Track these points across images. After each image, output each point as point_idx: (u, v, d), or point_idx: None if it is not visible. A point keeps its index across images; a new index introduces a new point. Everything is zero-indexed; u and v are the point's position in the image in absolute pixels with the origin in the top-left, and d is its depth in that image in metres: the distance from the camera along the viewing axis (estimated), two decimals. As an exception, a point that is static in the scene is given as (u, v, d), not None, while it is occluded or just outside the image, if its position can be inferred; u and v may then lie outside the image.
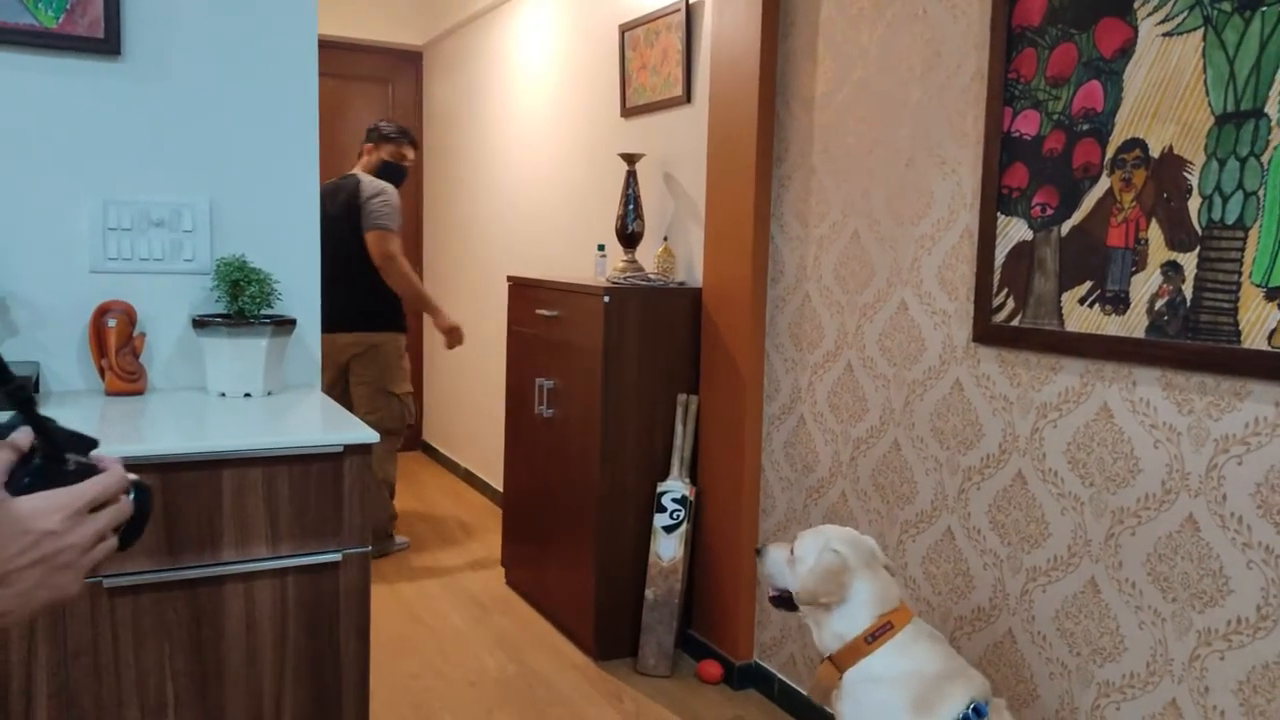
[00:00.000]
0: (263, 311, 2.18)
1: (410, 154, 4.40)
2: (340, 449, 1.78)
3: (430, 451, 6.13)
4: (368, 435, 1.81)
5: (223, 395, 2.15)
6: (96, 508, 0.82)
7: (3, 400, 0.81)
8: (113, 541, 0.84)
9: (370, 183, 4.13)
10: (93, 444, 0.87)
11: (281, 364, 2.24)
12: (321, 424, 1.92)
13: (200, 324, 2.13)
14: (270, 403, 2.12)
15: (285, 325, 2.20)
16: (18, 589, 0.77)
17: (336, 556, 1.81)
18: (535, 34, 4.60)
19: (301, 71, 2.33)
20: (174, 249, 2.24)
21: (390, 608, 3.65)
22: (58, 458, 0.82)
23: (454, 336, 4.33)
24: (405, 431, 4.38)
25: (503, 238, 5.06)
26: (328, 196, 3.97)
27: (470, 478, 5.46)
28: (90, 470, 0.83)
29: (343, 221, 4.02)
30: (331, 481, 1.79)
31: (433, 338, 6.08)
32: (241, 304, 2.15)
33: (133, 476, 0.88)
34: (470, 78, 5.40)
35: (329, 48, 5.75)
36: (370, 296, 4.10)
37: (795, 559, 2.11)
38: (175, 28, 2.20)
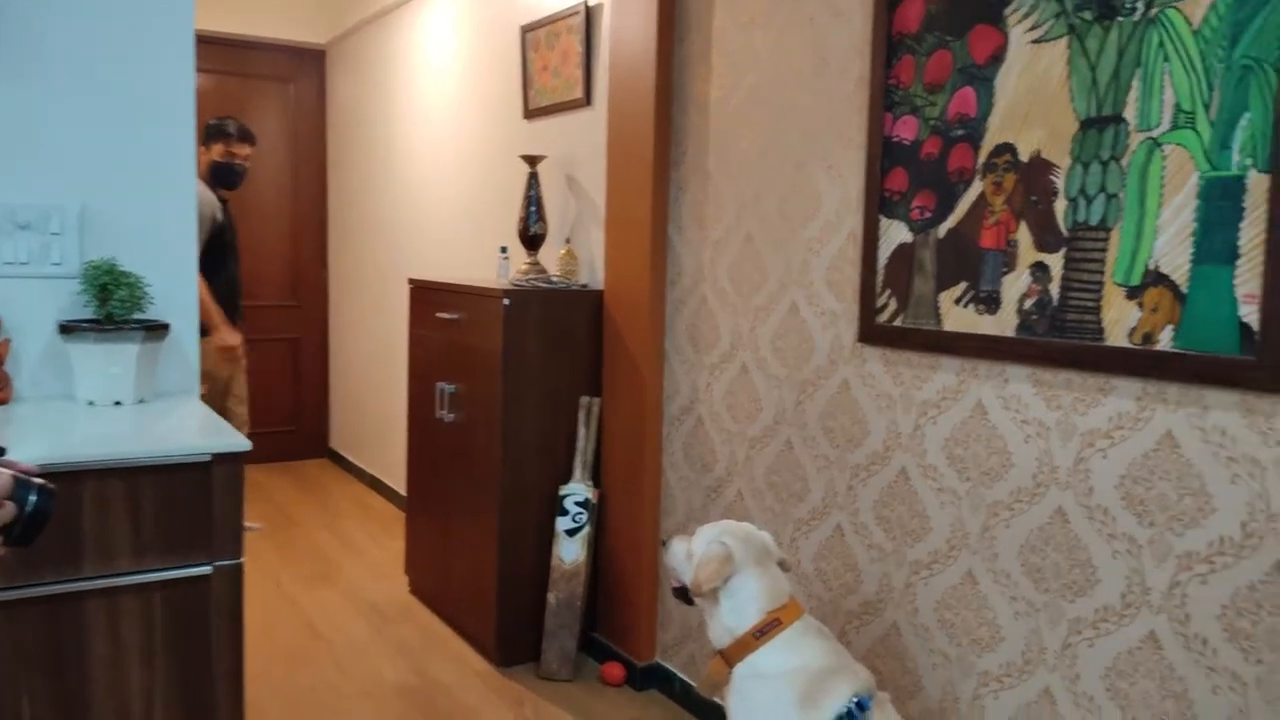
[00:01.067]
0: (134, 316, 2.11)
1: (242, 150, 4.29)
2: (208, 458, 1.73)
3: (337, 459, 6.00)
4: (238, 444, 1.76)
5: (91, 404, 2.06)
6: None
7: None
8: None
9: None
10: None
11: (154, 371, 2.16)
12: (190, 433, 1.86)
13: (67, 330, 2.05)
14: (141, 411, 2.04)
15: (158, 330, 2.12)
16: None
17: (206, 569, 1.75)
18: (439, 33, 4.55)
19: (177, 71, 2.26)
20: (41, 252, 2.15)
21: (287, 619, 3.56)
22: None
23: (227, 354, 4.18)
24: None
25: (407, 240, 4.98)
26: None
27: (377, 485, 5.36)
28: None
29: None
30: (200, 492, 1.73)
31: (337, 343, 5.97)
32: (111, 308, 2.07)
33: (37, 481, 0.93)
34: (373, 77, 5.31)
35: (229, 45, 5.62)
36: None
37: (692, 552, 2.12)
38: (44, 27, 2.11)
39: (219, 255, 4.23)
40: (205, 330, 4.17)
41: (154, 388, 2.17)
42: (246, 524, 4.34)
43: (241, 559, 1.79)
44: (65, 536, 1.64)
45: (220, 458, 1.74)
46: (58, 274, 2.15)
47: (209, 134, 4.28)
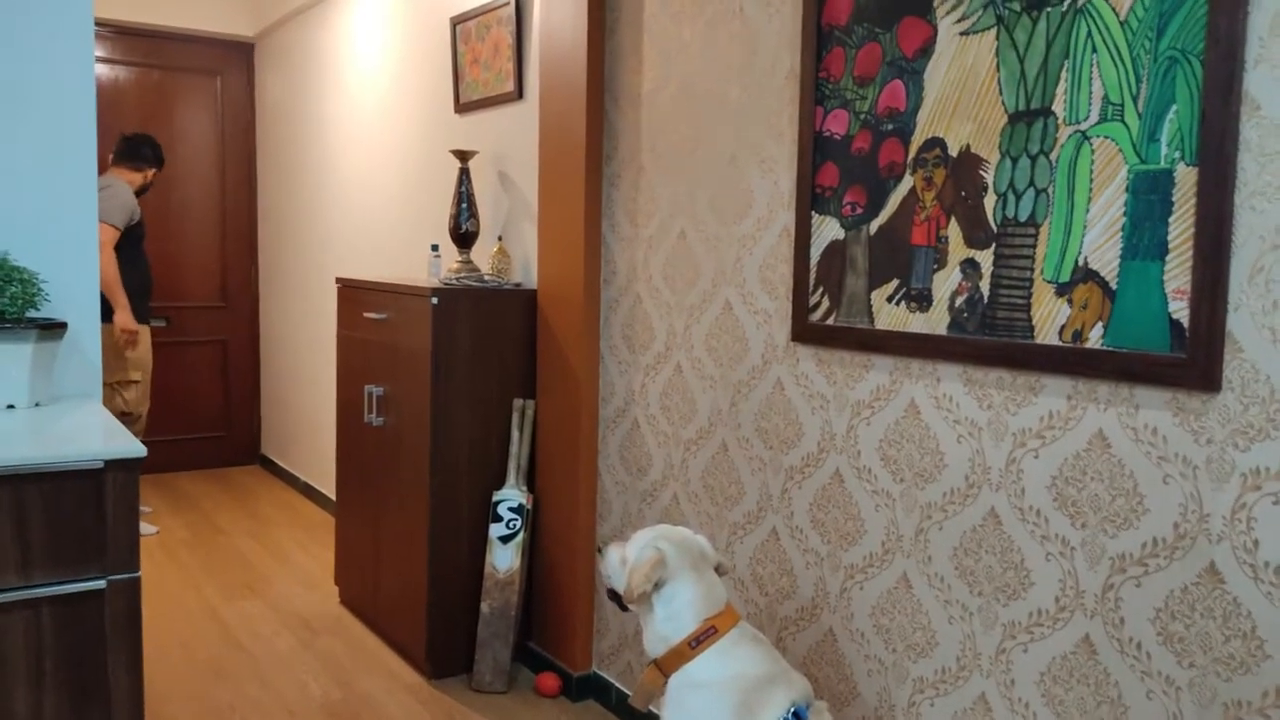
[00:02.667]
0: (27, 314, 1.98)
1: (151, 176, 4.60)
2: (100, 465, 1.62)
3: (269, 465, 5.83)
4: (133, 450, 1.65)
5: (-22, 409, 1.94)
6: None
7: None
8: None
9: (106, 178, 4.26)
10: None
11: (52, 371, 2.04)
12: (83, 438, 1.74)
13: (-48, 329, 1.91)
14: (35, 415, 1.92)
15: (54, 329, 2.00)
16: None
17: (100, 584, 1.64)
18: (369, 26, 4.43)
19: (76, 60, 2.14)
20: (-76, 248, 2.02)
21: (208, 632, 3.42)
22: None
23: (124, 337, 4.35)
24: (125, 419, 4.43)
25: (339, 238, 4.85)
26: None
27: (310, 491, 5.21)
28: None
29: None
30: (92, 501, 1.62)
31: (268, 344, 5.80)
32: (2, 305, 1.94)
33: None
34: (304, 71, 5.17)
35: (154, 37, 5.43)
36: None
37: (626, 557, 2.06)
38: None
39: (133, 250, 4.34)
40: (107, 315, 4.27)
41: (51, 390, 2.05)
42: (140, 528, 4.42)
43: (138, 572, 1.68)
44: (-64, 554, 1.52)
45: (114, 464, 1.64)
46: (-57, 271, 2.02)
47: (122, 156, 4.53)
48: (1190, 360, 1.52)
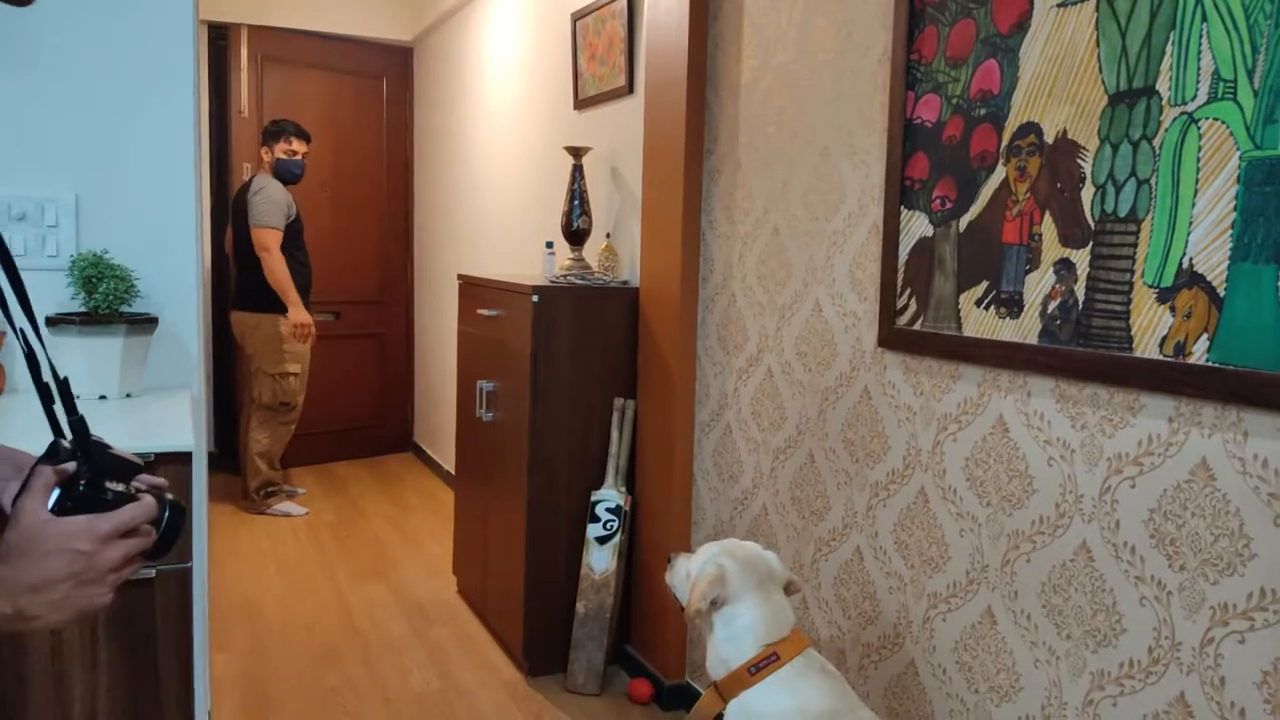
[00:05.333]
0: (121, 309, 2.08)
1: (300, 147, 4.68)
2: (151, 458, 1.67)
3: (420, 453, 6.04)
4: (183, 443, 1.70)
5: (77, 397, 2.05)
6: (128, 533, 0.93)
7: (65, 429, 0.94)
8: (139, 563, 0.96)
9: (257, 180, 4.55)
10: (137, 469, 1.01)
11: (143, 364, 2.14)
12: (147, 430, 1.81)
13: (53, 323, 2.04)
14: (122, 406, 2.02)
15: (144, 324, 2.10)
16: (49, 598, 0.88)
17: (149, 573, 1.69)
18: (503, 26, 4.48)
19: (176, 60, 2.23)
20: (37, 244, 2.16)
21: (331, 613, 3.55)
22: (99, 485, 0.94)
23: (299, 331, 4.58)
24: (283, 409, 4.70)
25: (474, 236, 4.95)
26: (240, 192, 4.70)
27: (451, 479, 5.35)
28: (127, 498, 0.95)
29: (241, 215, 4.60)
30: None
31: (421, 338, 6.01)
32: (95, 301, 2.05)
33: (169, 496, 1.01)
34: (451, 73, 5.30)
35: (327, 39, 5.65)
36: (249, 281, 4.60)
37: (690, 572, 1.98)
38: (39, 17, 2.11)
39: (292, 244, 4.55)
40: (272, 308, 4.57)
41: (142, 382, 2.15)
42: (278, 504, 4.69)
43: (189, 563, 1.73)
44: None
45: (164, 457, 1.68)
46: (54, 266, 2.16)
47: (268, 135, 4.70)
48: (1309, 382, 1.28)
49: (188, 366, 2.27)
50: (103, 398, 2.06)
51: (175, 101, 2.22)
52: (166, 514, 1.00)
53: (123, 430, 1.81)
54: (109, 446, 1.01)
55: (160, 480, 1.05)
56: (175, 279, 2.25)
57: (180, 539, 1.03)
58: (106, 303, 2.04)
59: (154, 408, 2.01)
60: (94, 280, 2.04)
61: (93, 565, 0.91)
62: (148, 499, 0.98)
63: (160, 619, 1.71)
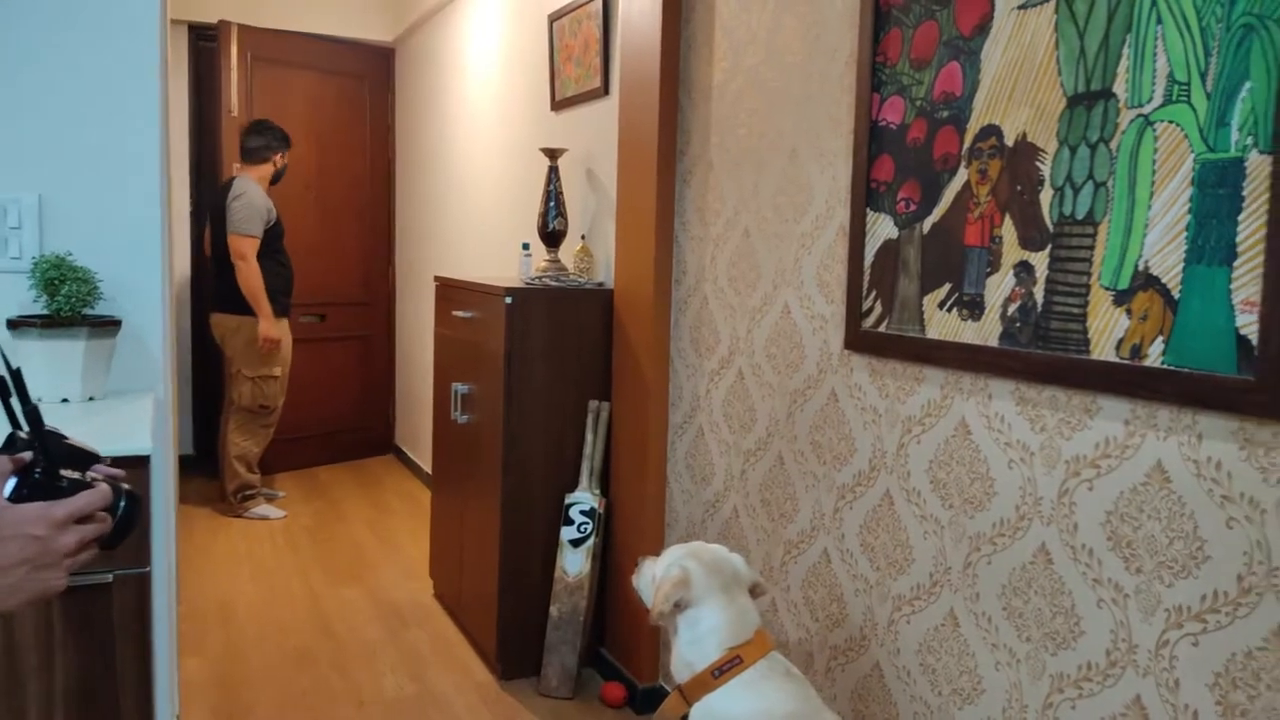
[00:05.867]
0: (83, 312, 2.07)
1: (262, 141, 4.67)
2: (108, 461, 1.65)
3: (401, 456, 6.02)
4: (141, 447, 1.68)
5: (39, 401, 2.03)
6: (83, 519, 0.96)
7: (20, 419, 0.96)
8: (94, 549, 0.99)
9: (238, 184, 4.52)
10: (94, 458, 1.03)
11: (106, 367, 2.12)
12: (107, 434, 1.79)
13: (14, 325, 2.02)
14: (84, 409, 2.00)
15: (106, 326, 2.08)
16: (5, 582, 0.90)
17: (107, 577, 1.68)
18: (483, 27, 4.47)
19: (142, 61, 2.21)
20: (0, 246, 2.14)
21: (306, 617, 3.53)
22: (54, 473, 0.97)
23: (265, 345, 4.55)
24: (262, 412, 4.68)
25: (454, 237, 4.94)
26: (217, 195, 4.71)
27: (431, 482, 5.34)
28: (82, 485, 0.98)
29: (220, 217, 4.55)
30: (98, 496, 1.66)
31: (402, 340, 5.99)
32: (57, 304, 2.04)
33: (125, 487, 1.02)
34: (431, 73, 5.29)
35: (313, 39, 5.61)
36: (230, 283, 4.54)
37: (655, 575, 1.97)
38: (4, 14, 2.09)
39: (272, 247, 4.53)
40: (250, 310, 4.55)
41: (105, 385, 2.13)
42: (255, 508, 4.66)
43: (146, 568, 1.71)
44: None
45: (122, 462, 1.66)
46: (17, 269, 2.14)
47: (280, 141, 4.67)
48: (1259, 384, 1.28)
49: (152, 369, 2.26)
50: (65, 401, 2.04)
51: (142, 101, 2.20)
52: (123, 503, 1.02)
53: (83, 433, 1.78)
54: (65, 436, 1.03)
55: (117, 470, 1.06)
56: (140, 281, 2.23)
57: (137, 534, 1.05)
58: (69, 305, 2.02)
59: (115, 411, 1.99)
60: (56, 282, 2.02)
61: (48, 550, 0.93)
62: (103, 487, 1.00)
63: (118, 624, 1.69)
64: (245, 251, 4.45)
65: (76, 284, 2.04)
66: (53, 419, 1.00)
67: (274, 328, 4.52)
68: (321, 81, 5.69)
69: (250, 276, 4.46)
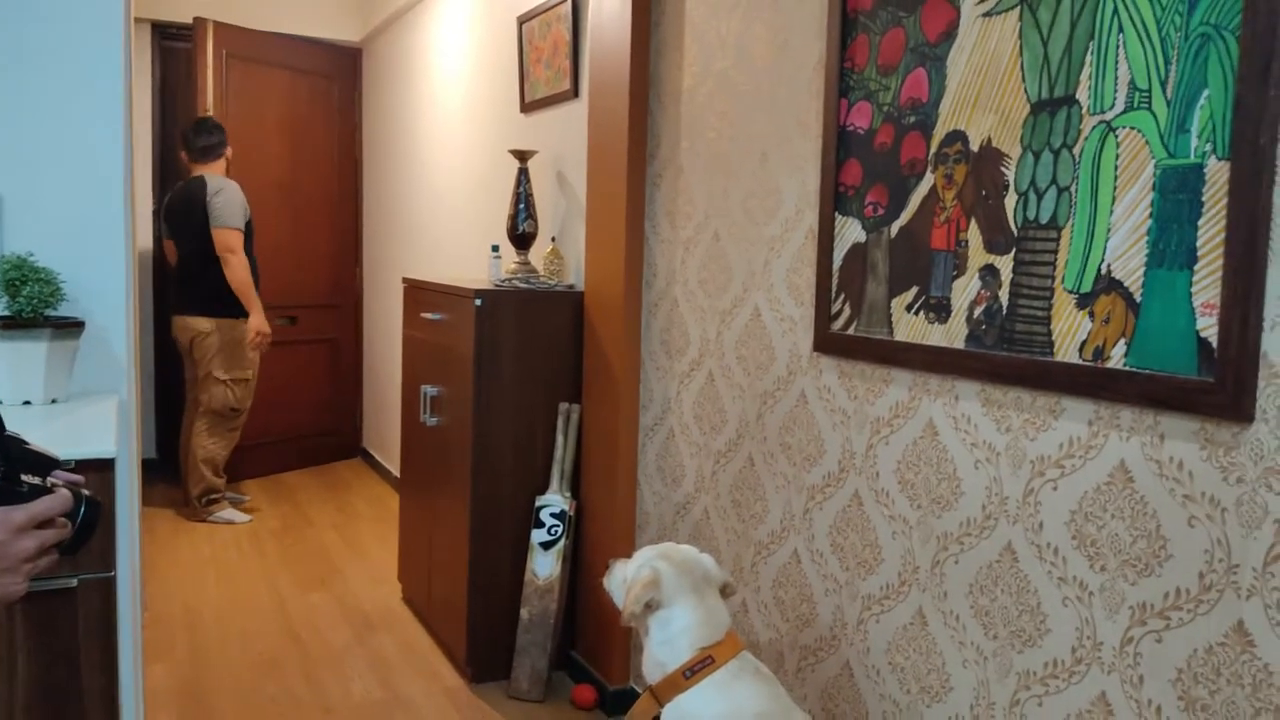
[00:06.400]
0: (46, 313, 2.04)
1: (216, 138, 4.62)
2: (71, 465, 1.63)
3: (369, 459, 5.98)
4: (105, 450, 1.66)
5: (0, 403, 2.00)
6: (43, 524, 0.96)
7: None
8: (54, 554, 0.99)
9: (213, 181, 4.44)
10: (54, 464, 1.03)
11: (69, 369, 2.09)
12: (71, 437, 1.77)
13: (-27, 328, 1.99)
14: (47, 412, 1.97)
15: (70, 328, 2.06)
16: None
17: (71, 582, 1.66)
18: (452, 28, 4.46)
19: (106, 61, 2.19)
20: (-41, 247, 2.10)
21: (272, 623, 3.49)
22: (13, 478, 0.96)
23: (257, 340, 4.52)
24: (232, 415, 4.63)
25: (422, 239, 4.92)
26: (178, 196, 4.58)
27: (400, 485, 5.30)
28: (42, 491, 0.98)
29: (191, 216, 4.44)
30: (62, 501, 1.64)
31: (370, 343, 5.95)
32: (19, 305, 2.01)
33: (86, 493, 1.02)
34: (398, 75, 5.26)
35: (283, 39, 5.54)
36: (202, 286, 4.48)
37: (626, 576, 1.98)
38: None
39: (247, 245, 4.49)
40: (222, 313, 4.50)
41: (68, 387, 2.10)
42: (221, 512, 4.59)
43: (111, 572, 1.69)
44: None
45: (86, 465, 1.65)
46: (-24, 271, 2.10)
47: (223, 141, 4.62)
48: (1219, 385, 1.31)
49: (116, 371, 2.23)
50: (27, 403, 2.01)
51: (104, 101, 2.18)
52: (83, 508, 1.02)
53: (46, 437, 1.76)
54: (25, 442, 1.02)
55: (77, 476, 1.05)
56: (104, 282, 2.20)
57: (99, 540, 1.04)
58: (31, 306, 2.00)
59: (79, 413, 1.97)
60: (18, 283, 1.99)
61: (6, 555, 0.93)
62: (63, 492, 1.00)
63: (83, 630, 1.67)
64: (234, 245, 4.40)
65: (39, 285, 2.01)
66: (15, 422, 0.99)
67: (265, 323, 4.49)
68: (293, 80, 5.64)
69: (240, 270, 4.41)
